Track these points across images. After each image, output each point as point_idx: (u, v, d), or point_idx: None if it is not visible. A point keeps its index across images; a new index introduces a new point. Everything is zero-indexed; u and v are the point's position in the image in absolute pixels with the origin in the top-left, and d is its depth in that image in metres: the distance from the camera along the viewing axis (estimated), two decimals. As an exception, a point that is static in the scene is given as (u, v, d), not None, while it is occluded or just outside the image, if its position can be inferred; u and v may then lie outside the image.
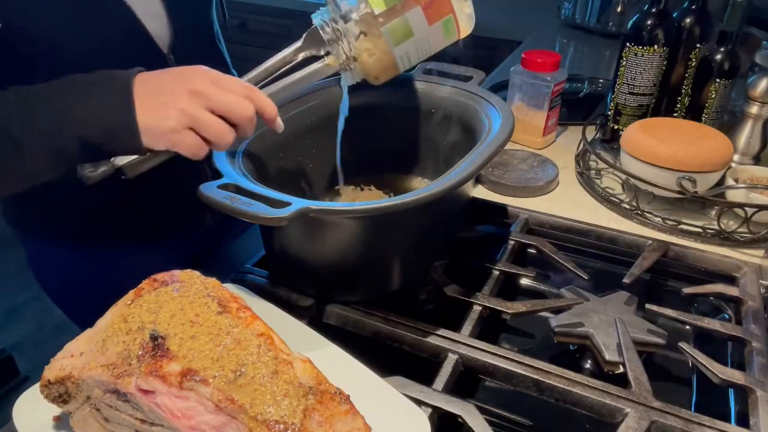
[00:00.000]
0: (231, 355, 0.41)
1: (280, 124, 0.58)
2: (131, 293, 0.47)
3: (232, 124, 0.53)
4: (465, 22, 0.58)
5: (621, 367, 0.56)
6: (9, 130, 0.51)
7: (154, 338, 0.41)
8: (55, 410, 0.47)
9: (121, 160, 0.52)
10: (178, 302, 0.44)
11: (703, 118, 0.90)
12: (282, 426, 0.38)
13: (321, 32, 0.59)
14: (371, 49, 0.58)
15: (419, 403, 0.50)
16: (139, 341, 0.42)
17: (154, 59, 0.69)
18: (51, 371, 0.45)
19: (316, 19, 0.60)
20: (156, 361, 0.40)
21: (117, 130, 0.51)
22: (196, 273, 0.49)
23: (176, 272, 0.48)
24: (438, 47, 0.61)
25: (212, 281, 0.48)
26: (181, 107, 0.51)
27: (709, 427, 0.49)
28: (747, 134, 0.86)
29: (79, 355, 0.44)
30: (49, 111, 0.51)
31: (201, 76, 0.53)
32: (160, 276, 0.48)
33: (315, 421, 0.39)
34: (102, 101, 0.51)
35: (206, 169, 0.77)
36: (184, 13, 0.71)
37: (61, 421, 0.47)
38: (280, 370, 0.41)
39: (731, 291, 0.65)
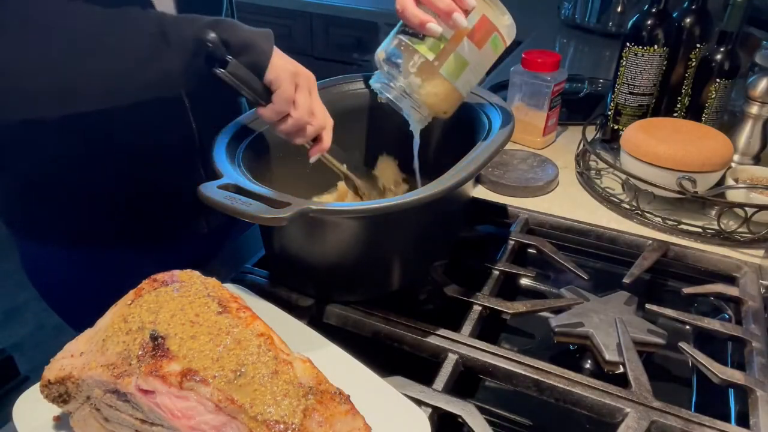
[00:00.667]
0: (231, 355, 0.41)
1: (314, 158, 0.65)
2: (131, 293, 0.47)
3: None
4: (507, 32, 0.62)
5: (621, 367, 0.56)
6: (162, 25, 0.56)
7: (154, 338, 0.41)
8: (55, 410, 0.47)
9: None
10: (178, 302, 0.44)
11: (703, 118, 0.90)
12: (282, 426, 0.38)
13: (385, 93, 0.64)
14: (436, 92, 0.61)
15: (419, 403, 0.50)
16: (139, 341, 0.42)
17: None
18: (51, 371, 0.45)
19: (375, 83, 0.65)
20: (156, 361, 0.40)
21: (258, 46, 0.58)
22: (196, 273, 0.49)
23: (176, 272, 0.48)
24: (491, 63, 0.64)
25: (212, 281, 0.48)
26: (307, 72, 0.61)
27: (709, 427, 0.49)
28: (747, 134, 0.86)
29: (79, 355, 0.44)
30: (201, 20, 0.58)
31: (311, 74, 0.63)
32: (160, 276, 0.48)
33: (315, 421, 0.39)
34: (252, 30, 0.60)
35: (200, 170, 0.76)
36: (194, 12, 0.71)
37: (61, 421, 0.47)
38: (280, 370, 0.41)
39: (731, 291, 0.65)
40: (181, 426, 0.39)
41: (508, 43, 0.64)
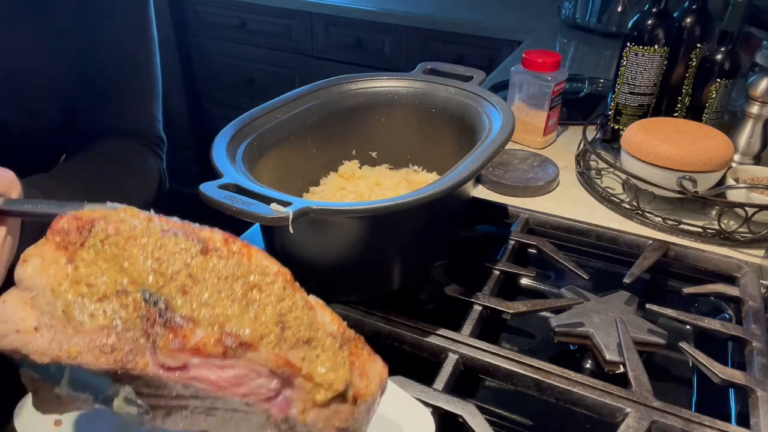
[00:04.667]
0: (261, 307, 0.34)
1: None
2: (50, 248, 0.35)
3: None
4: None
5: (621, 366, 0.56)
6: None
7: (152, 303, 0.33)
8: (57, 415, 0.47)
9: None
10: (141, 250, 0.35)
11: (704, 118, 0.90)
12: (339, 386, 0.34)
13: None
14: None
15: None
16: (133, 310, 0.33)
17: None
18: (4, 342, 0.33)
19: None
20: (173, 331, 0.33)
21: None
22: (104, 206, 0.38)
23: (79, 213, 0.36)
24: None
25: (133, 210, 0.37)
26: None
27: (710, 427, 0.49)
28: (747, 134, 0.86)
29: (34, 330, 0.33)
30: None
31: None
32: (65, 223, 0.35)
33: (356, 375, 0.36)
34: None
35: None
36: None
37: (62, 425, 0.47)
38: (314, 321, 0.36)
39: (731, 291, 0.65)
40: (232, 395, 0.34)
41: None
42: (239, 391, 0.34)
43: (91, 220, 0.36)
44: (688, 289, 0.66)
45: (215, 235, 0.36)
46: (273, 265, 0.37)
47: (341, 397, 0.35)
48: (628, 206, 0.82)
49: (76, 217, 0.36)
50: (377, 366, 0.38)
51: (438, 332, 0.58)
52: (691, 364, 0.60)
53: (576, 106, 1.19)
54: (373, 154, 0.79)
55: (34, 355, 0.33)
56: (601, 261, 0.75)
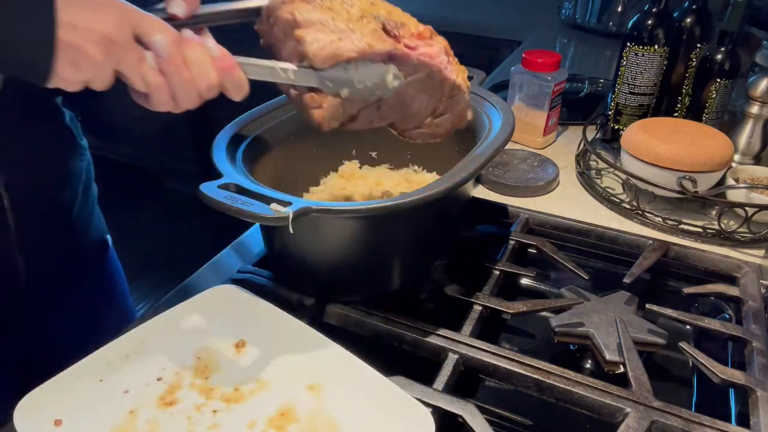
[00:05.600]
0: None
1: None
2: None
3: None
4: None
5: (621, 366, 0.56)
6: None
7: (379, 20, 0.52)
8: (56, 414, 0.47)
9: None
10: (344, 4, 0.52)
11: (704, 118, 0.90)
12: (465, 72, 0.59)
13: None
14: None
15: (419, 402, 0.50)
16: (374, 22, 0.52)
17: None
18: (325, 52, 0.49)
19: None
20: (402, 30, 0.53)
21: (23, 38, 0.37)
22: None
23: None
24: None
25: None
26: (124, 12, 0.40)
27: (710, 427, 0.49)
28: (747, 134, 0.86)
29: (338, 39, 0.50)
30: None
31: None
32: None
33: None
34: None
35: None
36: None
37: (62, 425, 0.47)
38: None
39: (732, 291, 0.65)
40: (436, 63, 0.55)
41: None
42: (437, 60, 0.55)
43: None
44: (688, 289, 0.66)
45: None
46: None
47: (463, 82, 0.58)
48: (628, 206, 0.82)
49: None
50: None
51: (438, 332, 0.58)
52: (691, 364, 0.60)
53: (576, 106, 1.19)
54: (373, 154, 0.79)
55: (348, 52, 0.50)
56: (601, 261, 0.75)
